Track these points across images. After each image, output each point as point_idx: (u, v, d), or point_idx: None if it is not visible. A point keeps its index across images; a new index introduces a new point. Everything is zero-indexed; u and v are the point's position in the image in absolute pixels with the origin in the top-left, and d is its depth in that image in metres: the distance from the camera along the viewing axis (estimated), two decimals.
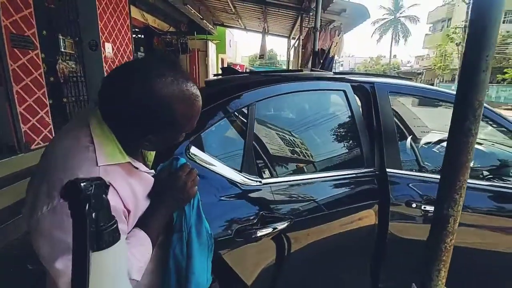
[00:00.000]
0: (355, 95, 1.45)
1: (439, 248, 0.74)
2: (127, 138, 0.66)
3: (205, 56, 9.35)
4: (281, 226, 1.05)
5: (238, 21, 8.80)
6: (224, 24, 10.13)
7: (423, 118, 2.40)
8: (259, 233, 0.98)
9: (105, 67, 5.03)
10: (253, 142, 1.11)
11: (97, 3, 4.67)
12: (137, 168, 0.69)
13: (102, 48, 4.98)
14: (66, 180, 0.58)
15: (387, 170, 1.39)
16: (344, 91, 1.40)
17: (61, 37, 4.33)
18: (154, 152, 0.84)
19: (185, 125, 0.68)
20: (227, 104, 1.08)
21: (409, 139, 1.88)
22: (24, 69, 3.29)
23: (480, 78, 0.62)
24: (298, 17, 6.32)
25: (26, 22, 3.25)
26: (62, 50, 4.39)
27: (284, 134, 1.25)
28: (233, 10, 7.20)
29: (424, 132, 2.15)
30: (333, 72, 1.57)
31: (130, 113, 0.60)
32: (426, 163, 1.71)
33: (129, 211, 0.65)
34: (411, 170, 1.52)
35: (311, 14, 4.78)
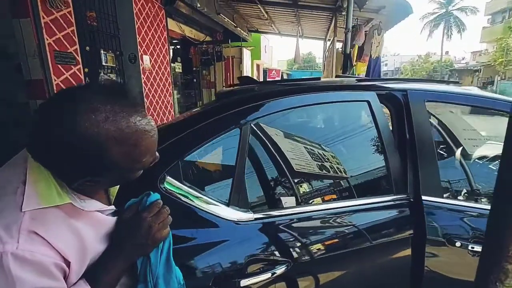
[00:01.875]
0: (383, 106, 1.21)
1: None
2: (63, 179, 0.56)
3: (240, 63, 9.44)
4: (274, 271, 0.86)
5: (271, 26, 8.72)
6: (259, 30, 10.13)
7: (480, 129, 1.94)
8: (244, 283, 0.81)
9: (143, 78, 5.31)
10: (246, 169, 0.95)
11: (135, 18, 4.94)
12: (81, 209, 0.58)
13: (140, 61, 5.26)
14: None
15: (423, 197, 1.12)
16: (368, 102, 1.18)
17: (102, 51, 4.65)
18: (117, 187, 0.73)
19: (132, 165, 0.56)
20: (214, 124, 0.94)
21: (457, 154, 1.55)
22: (67, 83, 3.56)
23: None
24: (332, 18, 6.00)
25: (68, 40, 3.52)
26: (104, 63, 4.72)
27: (287, 157, 1.06)
28: (266, 16, 7.13)
29: (478, 146, 1.76)
30: (356, 79, 1.34)
31: (57, 159, 0.51)
32: (479, 186, 1.38)
33: (68, 262, 0.55)
34: (457, 196, 1.22)
35: (344, 14, 4.47)
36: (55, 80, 3.32)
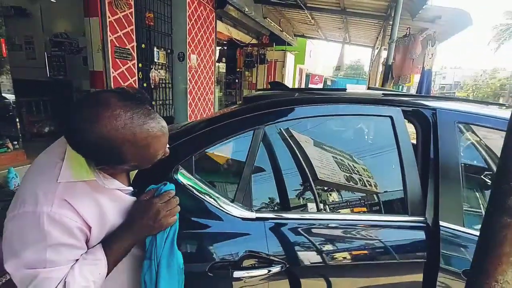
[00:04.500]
0: (406, 123, 1.17)
1: None
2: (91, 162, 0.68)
3: (282, 66, 9.51)
4: (268, 270, 0.90)
5: (318, 31, 8.62)
6: (305, 35, 10.09)
7: None
8: (236, 274, 0.87)
9: (188, 75, 5.65)
10: (253, 170, 1.01)
11: (188, 19, 5.29)
12: (104, 186, 0.70)
13: (188, 59, 5.61)
14: (28, 194, 0.63)
15: (441, 223, 1.07)
16: (391, 118, 1.16)
17: (156, 49, 5.07)
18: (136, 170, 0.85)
19: (143, 161, 0.69)
20: (229, 126, 1.01)
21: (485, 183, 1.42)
22: (122, 76, 3.96)
23: None
24: (382, 26, 5.75)
25: (128, 37, 3.92)
26: (156, 60, 5.14)
27: (298, 164, 1.09)
28: (313, 21, 7.09)
29: None
30: (383, 93, 1.31)
31: (84, 150, 0.63)
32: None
33: (89, 227, 0.67)
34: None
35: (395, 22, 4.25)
36: (112, 73, 3.73)
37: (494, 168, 1.48)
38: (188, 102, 5.69)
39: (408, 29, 4.81)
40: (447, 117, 1.16)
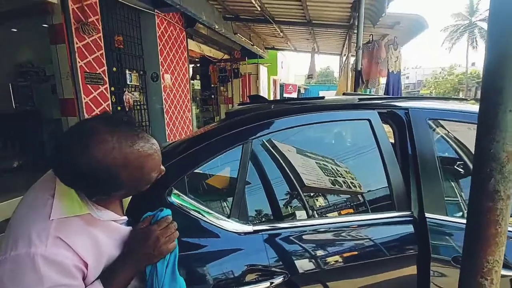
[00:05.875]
0: (383, 124, 1.24)
1: None
2: (83, 194, 0.66)
3: (256, 79, 9.69)
4: (271, 281, 0.90)
5: (287, 43, 8.94)
6: (275, 47, 10.41)
7: None
8: None
9: (163, 95, 5.59)
10: (246, 184, 1.02)
11: (158, 40, 5.28)
12: (99, 219, 0.68)
13: (162, 79, 5.57)
14: (19, 235, 0.60)
15: (427, 215, 1.13)
16: (369, 120, 1.22)
17: (127, 71, 5.00)
18: (129, 198, 0.83)
19: (140, 183, 0.67)
20: (218, 143, 1.02)
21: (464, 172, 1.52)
22: (95, 101, 3.85)
23: (504, 122, 0.44)
24: (347, 35, 6.09)
25: (97, 62, 3.84)
26: (129, 83, 5.05)
27: (287, 174, 1.12)
28: (282, 34, 7.35)
29: None
30: (359, 98, 1.39)
31: (70, 178, 0.62)
32: None
33: (86, 264, 0.64)
34: (463, 214, 1.22)
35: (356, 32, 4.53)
36: (84, 99, 3.61)
37: (465, 158, 1.59)
38: (166, 122, 5.61)
39: (371, 35, 5.13)
40: (418, 115, 1.24)
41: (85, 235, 0.65)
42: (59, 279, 0.60)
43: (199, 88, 9.14)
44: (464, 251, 0.52)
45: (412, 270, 1.11)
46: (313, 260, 1.00)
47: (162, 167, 0.73)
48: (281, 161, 1.12)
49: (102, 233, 0.69)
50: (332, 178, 1.14)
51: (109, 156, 0.60)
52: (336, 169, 1.20)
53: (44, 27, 3.56)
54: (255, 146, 1.08)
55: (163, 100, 5.59)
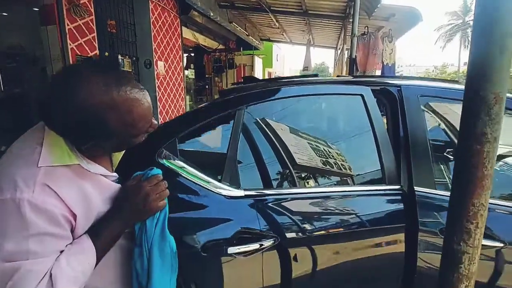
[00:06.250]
0: (376, 100, 1.26)
1: None
2: (72, 143, 0.65)
3: (251, 70, 9.64)
4: (261, 244, 0.91)
5: (283, 35, 8.89)
6: (270, 39, 10.34)
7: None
8: (231, 251, 0.87)
9: (157, 82, 5.52)
10: (239, 150, 1.02)
11: (152, 26, 5.18)
12: (88, 171, 0.67)
13: (155, 66, 5.48)
14: (5, 181, 0.59)
15: (416, 188, 1.15)
16: (362, 96, 1.23)
17: (120, 57, 4.90)
18: (120, 156, 0.82)
19: (129, 131, 0.65)
20: (210, 108, 1.01)
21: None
22: None
23: (494, 63, 0.45)
24: (342, 27, 6.09)
25: (89, 45, 3.75)
26: (121, 68, 4.96)
27: (280, 142, 1.12)
28: (277, 25, 7.30)
29: None
30: (353, 76, 1.39)
31: (60, 125, 0.60)
32: None
33: (74, 215, 0.63)
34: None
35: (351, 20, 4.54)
36: None
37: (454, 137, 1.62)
38: (159, 110, 5.54)
39: (366, 27, 5.14)
40: (410, 91, 1.26)
41: (74, 186, 0.64)
42: (45, 227, 0.59)
43: (194, 77, 9.05)
44: (451, 196, 0.54)
45: (399, 239, 1.14)
46: (303, 226, 1.02)
47: (154, 121, 0.72)
48: (274, 130, 1.12)
49: (91, 187, 0.68)
50: (324, 150, 1.15)
51: (96, 98, 0.58)
52: (328, 142, 1.21)
53: (34, 10, 3.46)
54: (249, 113, 1.08)
55: (156, 88, 5.51)
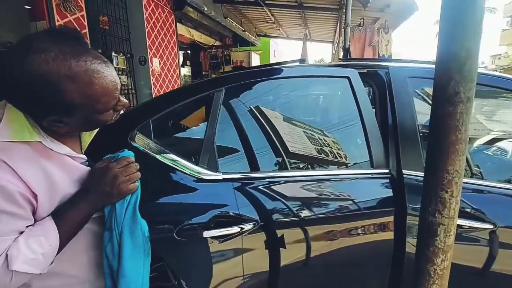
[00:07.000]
0: (363, 83, 1.22)
1: (426, 272, 0.51)
2: (32, 118, 0.62)
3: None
4: (241, 228, 0.88)
5: (279, 30, 8.82)
6: (267, 34, 10.27)
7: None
8: (206, 234, 0.84)
9: (152, 80, 5.48)
10: (216, 133, 0.98)
11: (145, 22, 5.14)
12: (51, 150, 0.63)
13: (150, 63, 5.44)
14: None
15: (404, 171, 1.12)
16: (348, 78, 1.20)
17: (114, 54, 4.85)
18: (90, 138, 0.78)
19: (92, 105, 0.62)
20: (188, 89, 0.98)
21: None
22: None
23: (466, 15, 0.41)
24: (338, 19, 6.02)
25: None
26: (115, 66, 4.91)
27: (262, 125, 1.09)
28: (273, 19, 7.24)
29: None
30: (339, 58, 1.36)
31: (14, 95, 0.57)
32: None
33: (35, 195, 0.60)
34: None
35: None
36: None
37: None
38: None
39: (362, 19, 5.08)
40: (399, 73, 1.22)
41: (35, 165, 0.61)
42: (1, 204, 0.56)
43: (190, 75, 9.01)
44: (426, 165, 0.51)
45: (388, 224, 1.11)
46: (286, 210, 0.99)
47: (123, 98, 0.68)
48: (254, 112, 1.09)
49: (55, 167, 0.64)
50: (308, 133, 1.11)
51: (52, 66, 0.55)
52: (312, 125, 1.17)
53: (23, 6, 3.42)
54: (228, 95, 1.05)
55: (152, 85, 5.48)
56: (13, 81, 0.56)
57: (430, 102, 1.42)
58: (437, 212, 0.49)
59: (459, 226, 1.05)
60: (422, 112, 1.27)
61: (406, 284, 1.11)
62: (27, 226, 0.61)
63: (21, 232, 0.60)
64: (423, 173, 1.13)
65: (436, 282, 0.50)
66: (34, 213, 0.62)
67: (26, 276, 0.60)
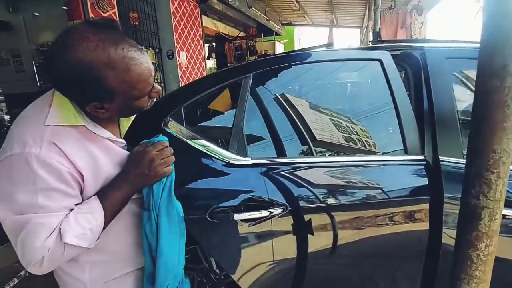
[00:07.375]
0: (396, 66, 1.16)
1: (468, 257, 0.48)
2: (77, 104, 0.67)
3: None
4: (270, 212, 0.89)
5: (304, 17, 8.57)
6: (291, 22, 10.03)
7: None
8: (237, 217, 0.86)
9: (179, 73, 5.63)
10: (245, 119, 0.99)
11: (172, 16, 5.26)
12: (95, 133, 0.69)
13: (177, 56, 5.58)
14: (15, 139, 0.62)
15: (441, 158, 1.06)
16: (380, 61, 1.15)
17: (144, 49, 5.04)
18: (128, 124, 0.83)
19: (129, 92, 0.65)
20: (217, 76, 1.00)
21: None
22: None
23: None
24: (367, 2, 5.71)
25: None
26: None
27: (292, 110, 1.08)
28: (298, 6, 7.04)
29: None
30: (370, 41, 1.30)
31: (60, 83, 0.62)
32: None
33: (82, 176, 0.65)
34: None
35: None
36: None
37: None
38: None
39: (393, 0, 4.78)
40: (436, 54, 1.15)
41: (82, 147, 0.67)
42: (52, 182, 0.61)
43: (215, 67, 9.11)
44: (469, 145, 0.48)
45: (423, 212, 1.06)
46: (316, 196, 0.99)
47: (157, 86, 0.72)
48: (281, 99, 1.08)
49: (98, 150, 0.70)
50: (339, 119, 1.09)
51: (92, 54, 0.59)
52: (344, 111, 1.14)
53: (63, 9, 3.64)
54: (256, 81, 1.05)
55: (179, 78, 5.62)
56: (59, 72, 0.61)
57: (471, 84, 1.32)
58: (482, 195, 0.46)
59: (503, 216, 0.98)
60: (462, 95, 1.19)
61: (442, 276, 1.07)
62: (76, 204, 0.67)
63: (71, 210, 0.66)
64: (462, 159, 1.08)
65: (479, 268, 0.48)
66: (81, 192, 0.68)
67: (76, 250, 0.67)
